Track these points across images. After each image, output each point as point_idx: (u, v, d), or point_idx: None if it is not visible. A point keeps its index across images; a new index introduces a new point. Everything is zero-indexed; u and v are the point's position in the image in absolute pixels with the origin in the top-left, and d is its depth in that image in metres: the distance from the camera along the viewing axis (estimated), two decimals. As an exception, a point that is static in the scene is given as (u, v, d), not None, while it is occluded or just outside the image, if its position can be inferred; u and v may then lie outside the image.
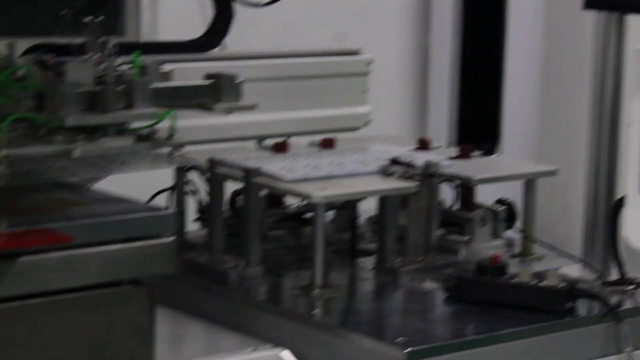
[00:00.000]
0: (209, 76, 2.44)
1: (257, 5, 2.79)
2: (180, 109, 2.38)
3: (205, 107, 2.42)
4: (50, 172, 2.20)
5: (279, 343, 2.24)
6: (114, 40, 2.31)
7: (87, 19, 2.32)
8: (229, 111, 2.45)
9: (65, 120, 2.10)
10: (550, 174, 2.76)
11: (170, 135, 2.29)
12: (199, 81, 2.46)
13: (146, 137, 2.30)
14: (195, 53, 3.02)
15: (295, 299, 2.41)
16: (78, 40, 2.38)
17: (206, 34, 3.09)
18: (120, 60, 2.29)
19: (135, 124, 2.30)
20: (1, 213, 2.10)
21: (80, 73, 2.21)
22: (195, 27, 3.15)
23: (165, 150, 2.33)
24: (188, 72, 2.78)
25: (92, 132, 2.24)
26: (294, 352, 2.21)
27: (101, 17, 2.37)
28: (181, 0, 3.48)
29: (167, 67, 2.51)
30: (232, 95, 2.42)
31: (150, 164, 2.59)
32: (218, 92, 2.40)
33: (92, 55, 2.28)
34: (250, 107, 2.48)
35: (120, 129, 2.30)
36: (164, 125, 2.28)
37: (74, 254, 1.99)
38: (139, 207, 2.20)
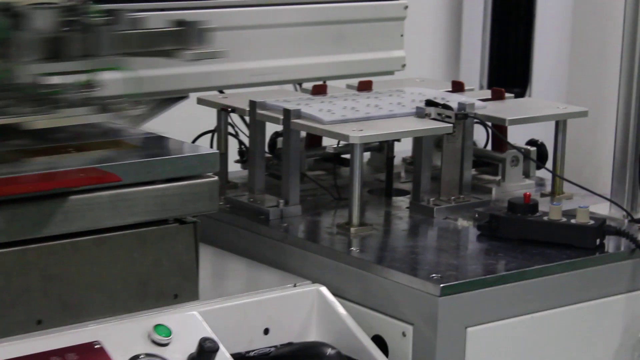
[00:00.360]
0: (176, 23, 2.39)
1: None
2: (147, 56, 2.37)
3: (172, 55, 2.37)
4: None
5: (317, 279, 2.28)
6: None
7: None
8: (195, 58, 2.40)
9: (25, 69, 2.08)
10: (581, 114, 2.78)
11: (134, 104, 2.27)
12: (164, 28, 2.41)
13: (107, 107, 2.25)
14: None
15: (333, 236, 2.42)
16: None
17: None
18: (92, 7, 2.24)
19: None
20: (54, 153, 2.14)
21: (45, 19, 2.17)
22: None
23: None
24: (225, 17, 2.80)
25: (55, 103, 2.20)
26: (332, 288, 2.24)
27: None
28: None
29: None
30: (200, 42, 2.38)
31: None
32: (185, 38, 2.36)
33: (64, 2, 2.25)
34: (218, 55, 2.42)
35: (85, 100, 2.23)
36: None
37: (122, 192, 2.02)
38: (183, 147, 2.22)
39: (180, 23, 2.36)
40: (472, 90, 3.07)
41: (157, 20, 2.46)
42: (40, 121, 2.14)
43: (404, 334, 2.15)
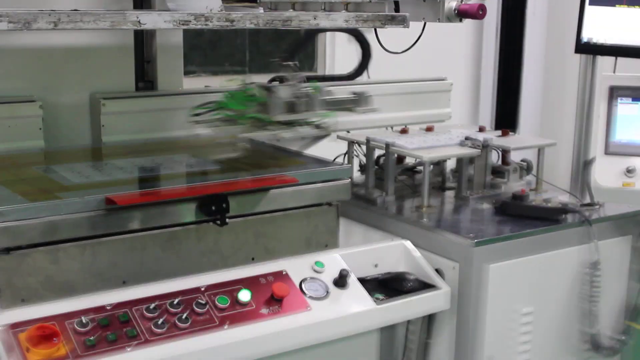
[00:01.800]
0: (353, 92, 2.55)
1: (394, 52, 2.77)
2: (338, 110, 2.44)
3: (351, 110, 2.51)
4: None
5: (404, 237, 2.25)
6: (303, 75, 2.45)
7: (290, 63, 2.48)
8: (364, 112, 2.53)
9: (275, 117, 2.27)
10: (552, 145, 2.70)
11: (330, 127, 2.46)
12: (348, 95, 2.53)
13: (319, 127, 2.40)
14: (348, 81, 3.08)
15: (413, 212, 2.38)
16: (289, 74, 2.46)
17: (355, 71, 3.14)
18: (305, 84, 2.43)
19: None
20: (259, 167, 2.17)
21: (284, 92, 2.30)
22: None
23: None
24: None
25: (291, 125, 2.34)
26: (412, 242, 2.22)
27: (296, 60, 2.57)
28: (346, 49, 3.43)
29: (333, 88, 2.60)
30: (366, 103, 2.48)
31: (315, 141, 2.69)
32: (358, 101, 2.46)
33: (294, 82, 2.39)
34: (375, 110, 2.54)
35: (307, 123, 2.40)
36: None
37: (298, 189, 2.06)
38: (330, 163, 2.26)
39: (355, 93, 2.54)
40: (490, 130, 2.98)
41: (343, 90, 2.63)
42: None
43: (453, 268, 2.14)
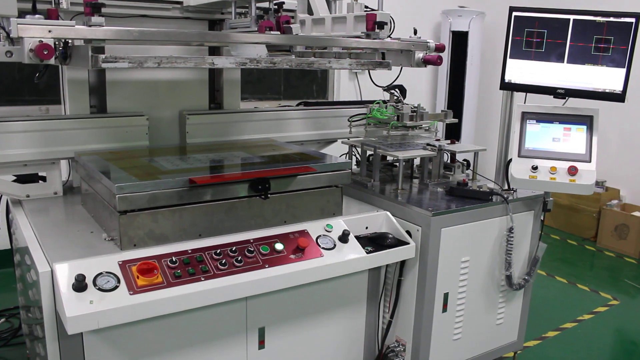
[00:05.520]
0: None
1: (380, 86, 2.66)
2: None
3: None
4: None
5: (386, 209, 2.19)
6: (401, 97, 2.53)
7: (395, 91, 2.55)
8: None
9: (400, 123, 2.43)
10: (483, 150, 2.60)
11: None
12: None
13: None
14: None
15: (391, 193, 2.31)
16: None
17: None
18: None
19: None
20: (289, 160, 2.10)
21: (407, 109, 2.45)
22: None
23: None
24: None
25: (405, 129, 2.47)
26: (391, 213, 2.16)
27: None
28: (347, 84, 3.29)
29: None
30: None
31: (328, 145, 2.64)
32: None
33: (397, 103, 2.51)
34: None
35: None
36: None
37: (316, 175, 1.98)
38: (337, 159, 2.16)
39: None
40: (442, 139, 2.86)
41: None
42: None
43: (418, 230, 2.09)
